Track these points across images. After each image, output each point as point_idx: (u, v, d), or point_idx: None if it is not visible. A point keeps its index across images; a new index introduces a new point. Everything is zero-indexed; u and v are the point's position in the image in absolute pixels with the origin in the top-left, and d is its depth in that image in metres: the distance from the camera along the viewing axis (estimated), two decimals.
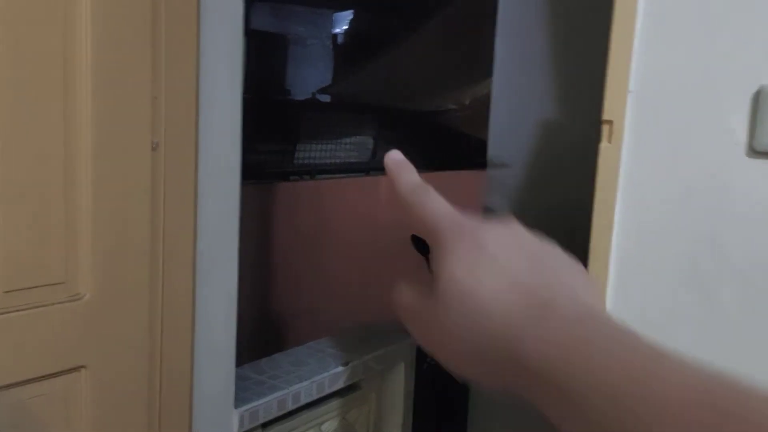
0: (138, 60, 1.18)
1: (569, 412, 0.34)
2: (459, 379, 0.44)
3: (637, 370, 0.33)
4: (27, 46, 1.04)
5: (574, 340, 0.35)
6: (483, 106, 2.54)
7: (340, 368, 1.71)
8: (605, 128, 0.91)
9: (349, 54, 3.57)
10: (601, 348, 0.34)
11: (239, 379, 1.50)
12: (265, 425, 1.54)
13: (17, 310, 1.08)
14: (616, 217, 0.91)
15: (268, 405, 1.52)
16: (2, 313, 1.07)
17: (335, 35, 3.60)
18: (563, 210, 1.86)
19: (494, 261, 0.41)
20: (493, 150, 2.00)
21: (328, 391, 1.68)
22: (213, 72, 1.31)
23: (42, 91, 1.06)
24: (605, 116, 0.91)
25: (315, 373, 1.66)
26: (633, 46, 0.89)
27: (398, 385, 1.94)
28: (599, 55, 1.04)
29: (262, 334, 2.83)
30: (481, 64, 2.65)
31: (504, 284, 0.40)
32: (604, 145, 0.91)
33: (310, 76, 3.45)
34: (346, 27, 3.60)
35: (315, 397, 1.65)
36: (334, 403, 1.74)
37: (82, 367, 1.17)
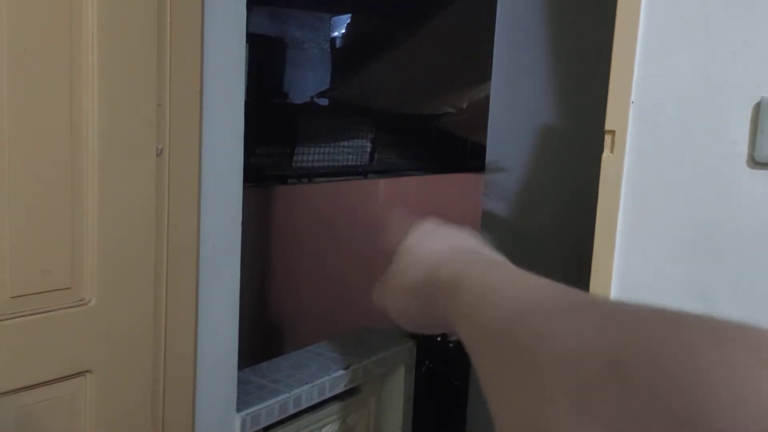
0: (143, 67, 1.19)
1: (466, 318, 0.41)
2: (401, 328, 0.55)
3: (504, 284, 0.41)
4: (34, 54, 1.05)
5: (473, 262, 0.46)
6: (480, 110, 2.55)
7: (341, 372, 1.72)
8: (608, 138, 0.92)
9: (347, 58, 3.57)
10: (485, 269, 0.45)
11: (241, 382, 1.51)
12: (266, 429, 1.55)
13: (24, 316, 1.08)
14: (619, 227, 0.92)
15: (269, 409, 1.53)
16: (9, 319, 1.07)
17: (333, 39, 3.61)
18: (561, 213, 1.88)
19: (441, 233, 0.53)
20: (491, 154, 2.01)
21: (328, 394, 1.69)
22: (217, 79, 1.32)
23: (49, 99, 1.07)
24: (608, 126, 0.92)
25: (316, 376, 1.67)
26: (635, 58, 0.90)
27: (398, 388, 1.95)
28: (597, 60, 1.05)
29: (262, 338, 2.84)
30: (478, 68, 2.66)
31: (443, 245, 0.51)
32: (606, 155, 0.93)
33: (308, 80, 3.46)
34: (344, 31, 3.62)
35: (316, 400, 1.66)
36: (335, 407, 1.75)
37: (87, 371, 1.18)
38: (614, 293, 0.96)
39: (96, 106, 1.13)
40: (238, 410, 1.48)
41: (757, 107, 0.84)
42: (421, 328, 0.51)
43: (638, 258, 0.94)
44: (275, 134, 2.83)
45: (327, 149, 3.04)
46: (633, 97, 0.92)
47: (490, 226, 2.01)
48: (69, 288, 1.13)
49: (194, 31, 1.25)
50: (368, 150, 3.21)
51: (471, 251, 0.49)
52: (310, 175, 2.97)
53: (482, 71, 2.39)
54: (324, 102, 3.45)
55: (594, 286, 0.96)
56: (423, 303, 0.48)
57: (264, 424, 1.53)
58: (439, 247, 0.50)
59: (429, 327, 0.51)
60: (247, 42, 1.44)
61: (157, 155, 1.22)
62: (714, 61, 0.87)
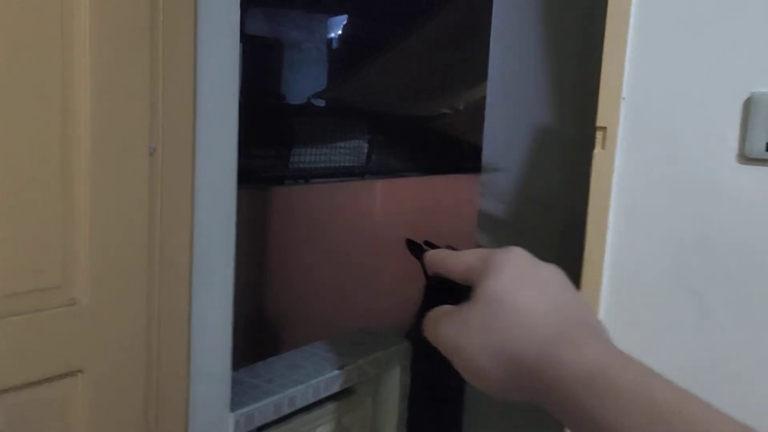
0: (136, 66, 1.18)
1: (589, 420, 0.39)
2: (476, 386, 0.47)
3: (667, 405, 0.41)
4: (25, 53, 1.04)
5: (611, 358, 0.42)
6: (477, 111, 2.55)
7: (336, 372, 1.71)
8: (599, 135, 0.92)
9: (344, 59, 3.58)
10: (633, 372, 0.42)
11: (235, 383, 1.50)
12: (260, 429, 1.55)
13: (14, 315, 1.08)
14: (610, 223, 0.92)
15: (263, 409, 1.53)
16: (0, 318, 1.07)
17: (330, 40, 3.62)
18: (557, 214, 1.87)
19: (538, 279, 0.47)
20: (488, 154, 2.01)
21: (323, 394, 1.69)
22: (210, 78, 1.32)
23: (40, 98, 1.07)
24: (599, 123, 0.92)
25: (310, 376, 1.67)
26: (626, 54, 0.90)
27: (393, 389, 1.95)
28: (593, 60, 1.05)
29: (257, 338, 2.84)
30: (475, 68, 2.66)
31: (549, 304, 0.45)
32: (597, 151, 0.92)
33: (305, 81, 3.46)
34: (340, 32, 3.62)
35: (311, 400, 1.65)
36: (330, 407, 1.75)
37: (78, 371, 1.17)
38: (605, 290, 0.95)
39: (88, 105, 1.12)
40: (232, 410, 1.47)
41: (747, 103, 0.84)
42: (495, 392, 0.45)
43: (629, 255, 0.94)
44: (272, 135, 2.83)
45: (324, 150, 3.03)
46: (624, 94, 0.92)
47: (487, 227, 2.00)
48: (60, 287, 1.13)
49: (187, 30, 1.25)
50: (365, 151, 3.20)
51: (593, 327, 0.44)
52: (307, 176, 2.97)
53: (478, 72, 2.39)
54: (321, 103, 3.45)
55: (585, 283, 0.96)
56: (520, 377, 0.43)
57: (258, 424, 1.52)
58: (545, 307, 0.44)
59: (505, 395, 0.45)
60: (243, 43, 1.44)
61: (150, 154, 1.22)
62: (704, 58, 0.87)
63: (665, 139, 0.90)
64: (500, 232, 1.98)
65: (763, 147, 0.83)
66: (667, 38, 0.89)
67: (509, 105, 1.94)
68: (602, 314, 0.96)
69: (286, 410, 1.59)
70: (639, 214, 0.92)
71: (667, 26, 0.89)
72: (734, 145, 0.85)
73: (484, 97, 2.05)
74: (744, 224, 0.86)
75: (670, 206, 0.90)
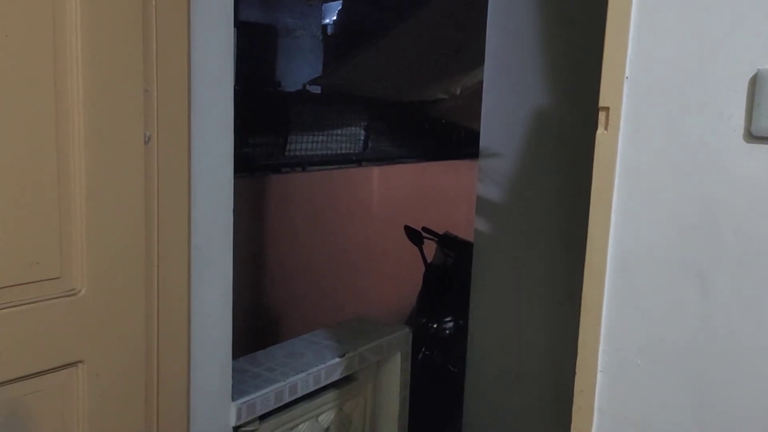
0: (129, 53, 1.17)
1: None
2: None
3: None
4: (16, 40, 1.03)
5: None
6: (474, 96, 2.54)
7: (337, 359, 1.71)
8: (602, 115, 0.90)
9: (339, 45, 3.55)
10: None
11: (236, 372, 1.50)
12: (262, 417, 1.54)
13: (12, 306, 1.07)
14: (614, 205, 0.91)
15: (265, 397, 1.52)
16: None
17: (325, 26, 3.59)
18: (557, 197, 1.86)
19: None
20: (485, 139, 2.00)
21: (324, 382, 1.68)
22: (204, 65, 1.30)
23: (33, 86, 1.05)
24: (602, 103, 0.90)
25: (311, 364, 1.66)
26: (629, 32, 0.88)
27: (394, 375, 1.94)
28: (592, 42, 1.04)
29: (256, 327, 2.83)
30: (471, 53, 2.64)
31: None
32: (600, 132, 0.91)
33: (300, 68, 3.44)
34: (335, 18, 3.59)
35: (312, 388, 1.65)
36: (331, 395, 1.74)
37: (78, 362, 1.17)
38: (609, 273, 0.94)
39: (81, 93, 1.11)
40: (234, 399, 1.47)
41: (753, 80, 0.83)
42: None
43: (633, 237, 0.93)
44: (268, 123, 2.82)
45: (320, 137, 3.02)
46: (627, 73, 0.91)
47: (486, 213, 1.99)
48: (58, 278, 1.12)
49: (180, 17, 1.23)
50: (362, 138, 3.19)
51: None
52: (304, 164, 2.95)
53: (475, 57, 2.37)
54: (316, 90, 3.43)
55: (589, 266, 0.95)
56: None
57: (259, 412, 1.52)
58: None
59: None
60: (238, 30, 1.42)
61: (145, 143, 1.21)
62: (709, 35, 0.86)
63: (670, 118, 0.88)
64: (499, 217, 1.97)
65: None
66: (671, 15, 0.88)
67: (506, 89, 1.92)
68: (606, 297, 0.95)
69: (288, 398, 1.59)
70: (643, 195, 0.91)
71: (671, 3, 0.88)
72: (740, 124, 0.83)
73: (481, 82, 2.04)
74: (750, 204, 0.85)
75: (675, 186, 0.89)
